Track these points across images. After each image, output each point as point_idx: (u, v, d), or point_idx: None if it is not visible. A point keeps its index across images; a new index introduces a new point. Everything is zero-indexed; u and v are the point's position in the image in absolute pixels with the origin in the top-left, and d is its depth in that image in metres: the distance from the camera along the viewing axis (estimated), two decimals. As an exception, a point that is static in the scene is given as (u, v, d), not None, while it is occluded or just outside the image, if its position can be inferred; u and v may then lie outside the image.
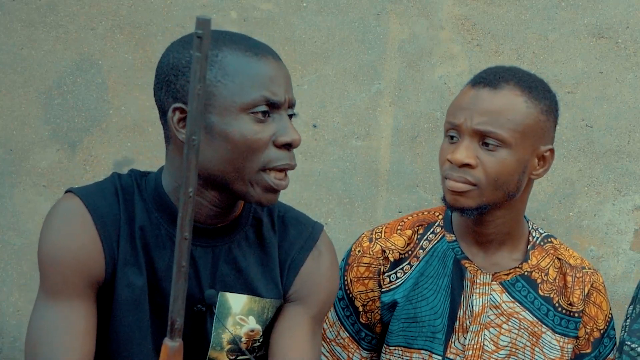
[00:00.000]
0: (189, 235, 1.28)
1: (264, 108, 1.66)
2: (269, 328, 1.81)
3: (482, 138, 1.92)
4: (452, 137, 1.96)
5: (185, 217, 1.27)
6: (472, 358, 2.03)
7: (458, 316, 2.03)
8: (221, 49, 1.67)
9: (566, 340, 2.07)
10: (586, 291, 2.08)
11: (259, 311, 1.79)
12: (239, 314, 1.77)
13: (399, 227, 2.08)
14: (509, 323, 2.04)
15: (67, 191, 1.75)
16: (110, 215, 1.72)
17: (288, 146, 1.68)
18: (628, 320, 2.10)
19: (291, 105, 1.71)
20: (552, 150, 1.99)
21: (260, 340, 1.81)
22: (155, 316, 1.73)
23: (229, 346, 1.77)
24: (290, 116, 1.72)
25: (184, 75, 1.66)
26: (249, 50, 1.68)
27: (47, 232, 1.71)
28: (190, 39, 1.70)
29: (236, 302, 1.77)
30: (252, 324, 1.79)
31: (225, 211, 1.75)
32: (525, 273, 2.05)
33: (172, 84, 1.67)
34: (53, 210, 1.73)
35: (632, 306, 2.11)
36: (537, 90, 1.96)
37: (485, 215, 1.98)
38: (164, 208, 1.74)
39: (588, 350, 2.10)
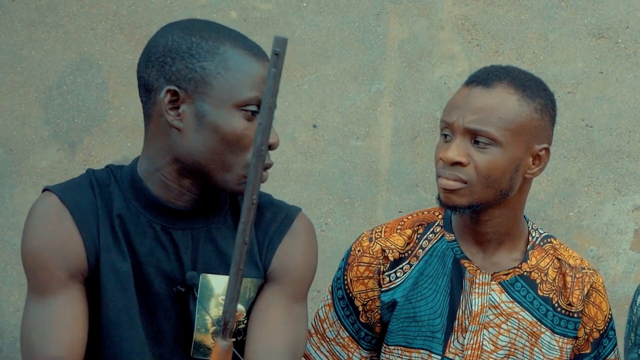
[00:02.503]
0: (249, 240, 1.32)
1: (254, 107, 1.71)
2: (252, 309, 1.83)
3: (474, 136, 1.92)
4: (446, 136, 1.97)
5: (247, 222, 1.32)
6: (471, 358, 2.03)
7: (457, 316, 2.03)
8: (223, 43, 1.72)
9: (565, 341, 2.07)
10: (585, 291, 2.08)
11: (241, 291, 1.80)
12: (221, 294, 1.79)
13: (398, 227, 2.08)
14: (508, 323, 2.04)
15: (44, 189, 1.78)
16: (88, 206, 1.75)
17: (269, 147, 1.71)
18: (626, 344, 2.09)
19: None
20: (547, 149, 1.99)
21: (245, 322, 1.82)
22: (142, 301, 1.76)
23: (214, 328, 1.79)
24: None
25: (183, 59, 1.70)
26: (249, 50, 1.73)
27: (26, 232, 1.75)
28: (192, 26, 1.74)
29: (218, 283, 1.79)
30: None
31: (202, 197, 1.79)
32: (525, 273, 2.05)
33: (167, 66, 1.71)
34: (31, 210, 1.77)
35: (628, 329, 2.10)
36: (531, 88, 1.96)
37: (481, 215, 1.98)
38: (141, 195, 1.77)
39: (587, 351, 2.10)
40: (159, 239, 1.77)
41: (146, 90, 1.74)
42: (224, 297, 1.79)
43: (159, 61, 1.72)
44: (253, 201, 1.30)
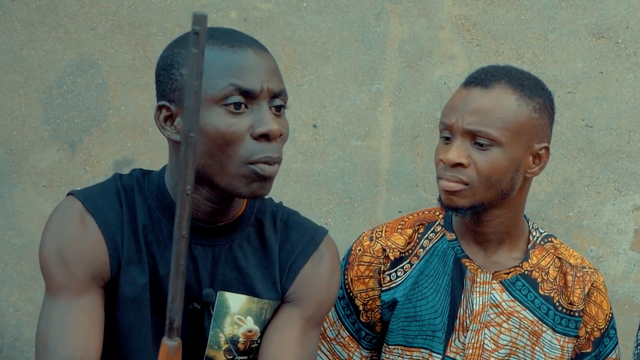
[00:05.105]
0: (187, 233, 1.26)
1: (237, 99, 1.63)
2: (267, 325, 1.81)
3: (474, 138, 1.93)
4: (446, 138, 1.97)
5: (183, 215, 1.25)
6: (472, 357, 2.03)
7: (458, 315, 2.03)
8: None
9: (566, 340, 2.07)
10: (586, 290, 2.08)
11: (257, 312, 1.78)
12: (237, 313, 1.77)
13: (399, 226, 2.08)
14: (509, 322, 2.04)
15: (68, 194, 1.75)
16: (113, 215, 1.72)
17: (267, 137, 1.64)
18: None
19: (275, 96, 1.66)
20: (547, 148, 1.99)
21: (259, 341, 1.80)
22: (156, 315, 1.74)
23: (226, 346, 1.77)
24: (279, 108, 1.67)
25: (169, 73, 1.67)
26: (226, 43, 1.65)
27: (48, 233, 1.72)
28: (183, 38, 1.70)
29: (235, 302, 1.77)
30: (250, 324, 1.78)
31: (222, 208, 1.74)
32: (526, 272, 2.05)
33: (161, 83, 1.69)
34: (55, 212, 1.73)
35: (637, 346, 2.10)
36: (530, 88, 1.96)
37: (482, 215, 1.99)
38: (165, 206, 1.74)
39: (588, 350, 2.10)
40: None
41: None
42: (240, 315, 1.77)
43: (157, 80, 1.70)
44: (187, 192, 1.25)
